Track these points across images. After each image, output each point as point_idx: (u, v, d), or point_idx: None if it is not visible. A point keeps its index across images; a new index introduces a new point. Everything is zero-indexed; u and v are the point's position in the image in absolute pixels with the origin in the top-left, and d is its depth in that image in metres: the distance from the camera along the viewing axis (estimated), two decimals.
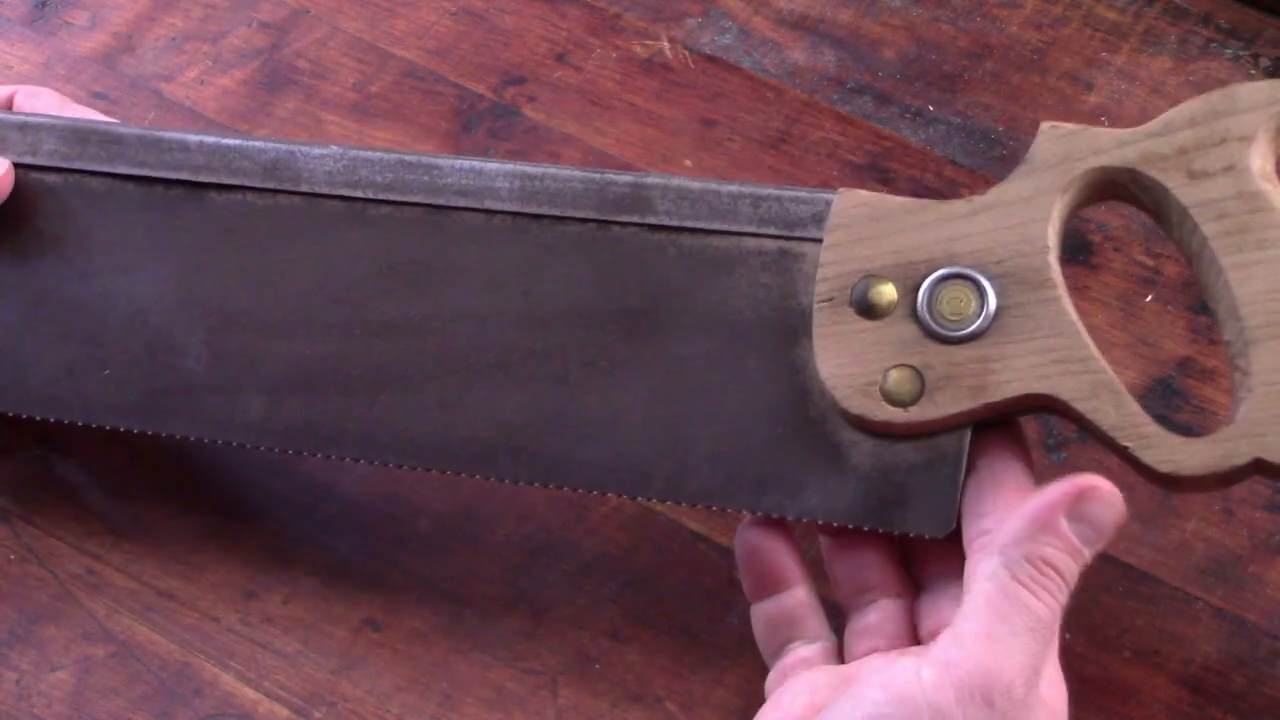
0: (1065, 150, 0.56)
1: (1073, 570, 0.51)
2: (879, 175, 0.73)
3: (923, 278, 0.56)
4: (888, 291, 0.56)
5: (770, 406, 0.56)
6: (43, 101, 0.66)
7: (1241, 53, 0.76)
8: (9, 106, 0.66)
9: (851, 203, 0.57)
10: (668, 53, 0.78)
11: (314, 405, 0.59)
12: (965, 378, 0.55)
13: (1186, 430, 0.66)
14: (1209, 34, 0.77)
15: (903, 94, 0.76)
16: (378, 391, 0.59)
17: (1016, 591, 0.51)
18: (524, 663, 0.61)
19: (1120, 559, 0.62)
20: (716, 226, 0.58)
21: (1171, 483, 0.54)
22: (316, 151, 0.61)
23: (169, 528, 0.65)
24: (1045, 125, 0.57)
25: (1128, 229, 0.71)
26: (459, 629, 0.62)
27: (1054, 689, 0.51)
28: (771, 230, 0.58)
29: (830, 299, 0.56)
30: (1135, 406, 0.54)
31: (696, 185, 0.59)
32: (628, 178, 0.59)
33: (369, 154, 0.60)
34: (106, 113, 0.72)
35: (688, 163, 0.74)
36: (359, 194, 0.60)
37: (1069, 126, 0.57)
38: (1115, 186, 0.56)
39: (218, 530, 0.64)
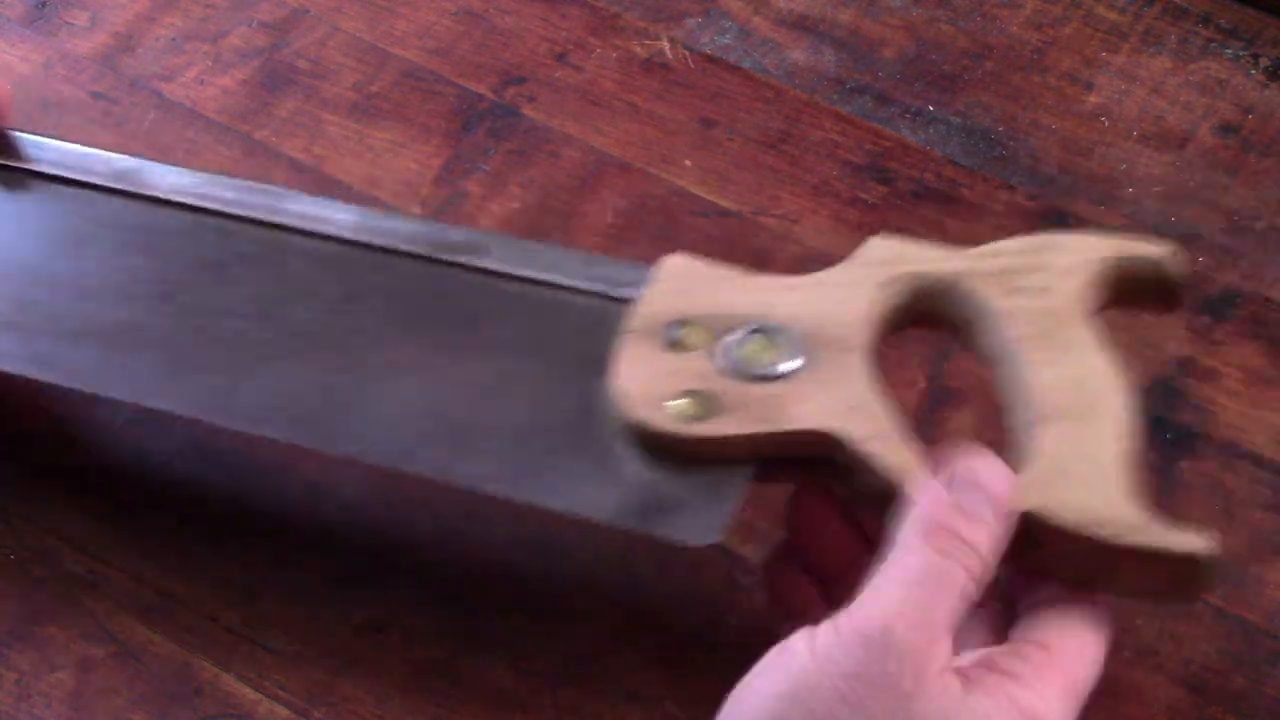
0: (893, 255, 0.58)
1: (971, 531, 0.51)
2: (879, 175, 0.73)
3: (732, 328, 0.57)
4: (697, 333, 0.57)
5: (555, 421, 0.57)
6: None
7: (1241, 53, 0.76)
8: None
9: (680, 262, 0.59)
10: (668, 53, 0.78)
11: (106, 353, 0.61)
12: (755, 407, 0.55)
13: (1186, 431, 0.66)
14: (1209, 34, 0.77)
15: (903, 94, 0.76)
16: (171, 350, 0.60)
17: (903, 548, 0.51)
18: (524, 663, 0.61)
19: None
20: (545, 278, 0.60)
21: None
22: (167, 169, 0.64)
23: (169, 528, 0.65)
24: (874, 238, 0.59)
25: (1128, 229, 0.71)
26: (459, 629, 0.62)
27: (988, 696, 0.50)
28: (598, 287, 0.60)
29: (638, 331, 0.57)
30: (916, 459, 0.54)
31: (533, 244, 0.62)
32: (465, 232, 0.62)
33: (220, 177, 0.64)
34: (106, 113, 0.72)
35: (688, 162, 0.74)
36: (201, 204, 0.63)
37: (899, 239, 0.59)
38: (934, 296, 0.58)
39: (218, 530, 0.64)
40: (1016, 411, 0.55)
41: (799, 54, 0.77)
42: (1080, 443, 0.54)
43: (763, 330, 0.57)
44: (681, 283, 0.59)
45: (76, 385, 0.61)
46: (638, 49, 0.78)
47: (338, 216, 0.62)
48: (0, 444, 0.66)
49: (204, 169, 0.65)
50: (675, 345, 0.57)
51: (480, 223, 0.72)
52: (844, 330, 0.57)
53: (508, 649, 0.62)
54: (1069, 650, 0.52)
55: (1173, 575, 0.52)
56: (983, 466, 0.53)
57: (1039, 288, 0.57)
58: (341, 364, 0.59)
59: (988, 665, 0.51)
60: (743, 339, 0.57)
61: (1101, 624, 0.53)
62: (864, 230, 0.71)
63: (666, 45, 0.78)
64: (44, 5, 0.80)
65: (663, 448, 0.56)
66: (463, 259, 0.61)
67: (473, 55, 0.78)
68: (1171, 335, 0.68)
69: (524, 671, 0.61)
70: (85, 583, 0.63)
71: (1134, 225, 0.71)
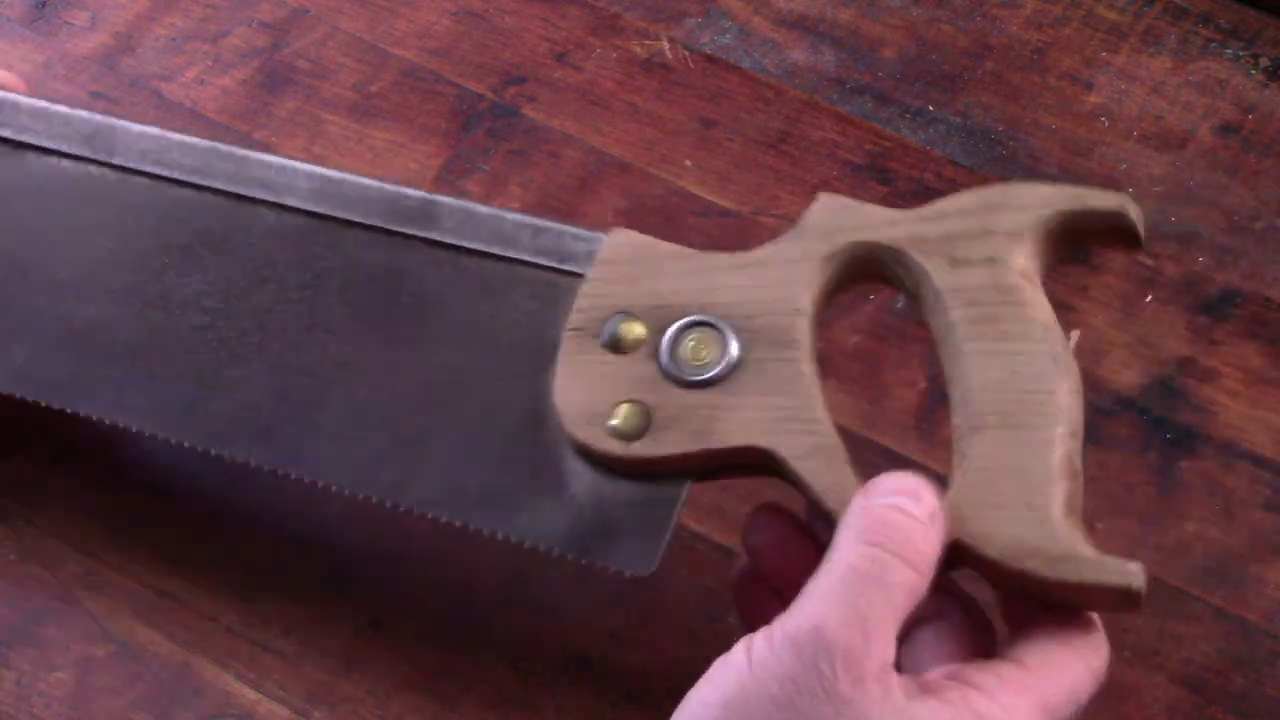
0: (836, 222, 0.57)
1: (902, 528, 0.51)
2: (879, 175, 0.73)
3: (672, 321, 0.56)
4: (637, 329, 0.57)
5: (507, 426, 0.57)
6: None
7: (1241, 53, 0.76)
8: None
9: (621, 241, 0.58)
10: (668, 53, 0.78)
11: (76, 361, 0.61)
12: (691, 421, 0.55)
13: (1186, 431, 0.66)
14: (1209, 34, 0.77)
15: (903, 94, 0.76)
16: (141, 359, 0.61)
17: (833, 551, 0.51)
18: (524, 663, 0.61)
19: None
20: (495, 250, 0.60)
21: None
22: (136, 130, 0.63)
23: (169, 528, 0.65)
24: (823, 195, 0.58)
25: None
26: (459, 629, 0.62)
27: (947, 705, 0.49)
28: (545, 260, 0.59)
29: (580, 329, 0.57)
30: (851, 475, 0.53)
31: (483, 210, 0.61)
32: (420, 194, 0.61)
33: (185, 139, 0.63)
34: (106, 113, 0.72)
35: (688, 162, 0.74)
36: (166, 173, 0.62)
37: (844, 200, 0.57)
38: (879, 264, 0.57)
39: (218, 530, 0.64)
40: (958, 412, 0.54)
41: (799, 54, 0.77)
42: (1012, 455, 0.52)
43: (701, 323, 0.56)
44: (624, 267, 0.58)
45: (51, 401, 0.61)
46: (638, 49, 0.78)
47: (298, 184, 0.61)
48: (0, 444, 0.66)
49: (172, 131, 0.64)
50: (615, 344, 0.57)
51: None
52: (783, 320, 0.56)
53: (508, 649, 0.62)
54: (1046, 671, 0.51)
55: (1105, 600, 0.51)
56: (906, 476, 0.52)
57: (984, 258, 0.55)
58: (299, 364, 0.60)
59: (955, 676, 0.50)
60: (680, 334, 0.56)
61: (1091, 653, 0.52)
62: None
63: (666, 45, 0.78)
64: (44, 5, 0.80)
65: (604, 464, 0.56)
66: (416, 231, 0.60)
67: (473, 55, 0.78)
68: (1171, 335, 0.68)
69: (524, 671, 0.61)
70: (85, 583, 0.63)
71: None
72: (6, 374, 0.61)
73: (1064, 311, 0.57)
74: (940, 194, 0.72)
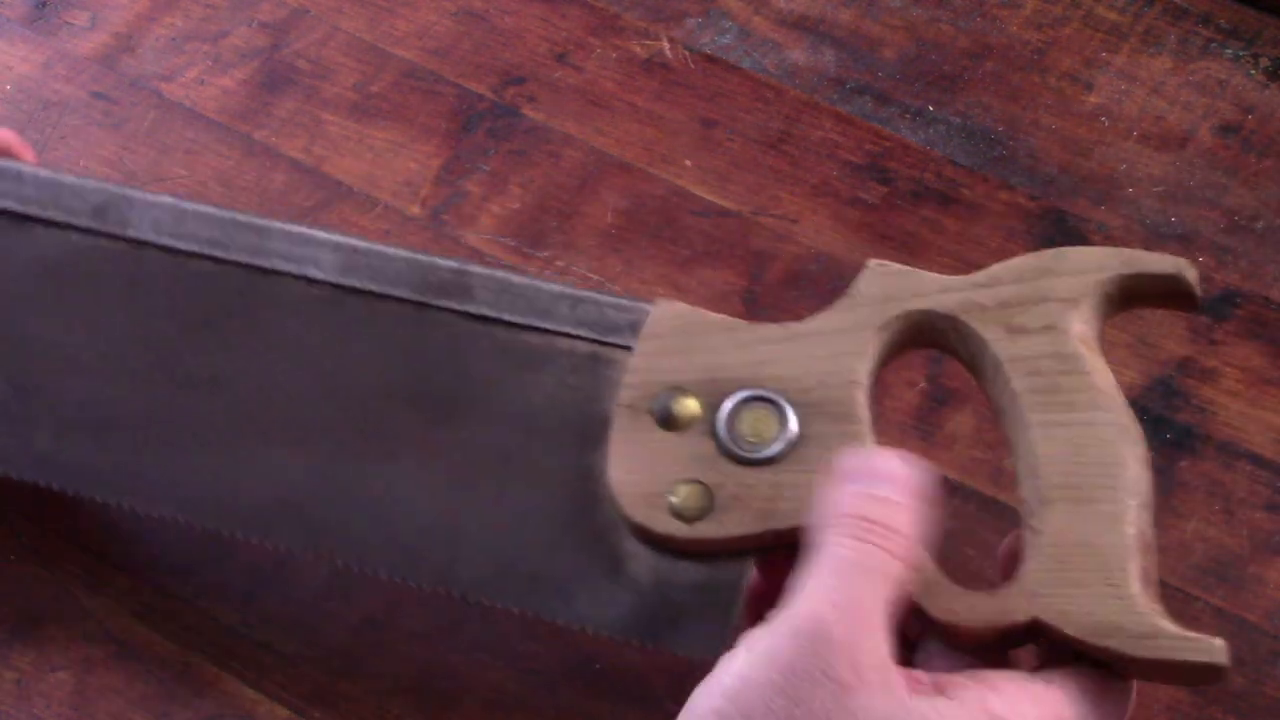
0: (887, 290, 0.56)
1: (884, 514, 0.51)
2: (879, 175, 0.73)
3: (727, 396, 0.55)
4: (691, 405, 0.55)
5: (556, 508, 0.56)
6: None
7: (1241, 53, 0.76)
8: None
9: (668, 314, 0.57)
10: (668, 53, 0.78)
11: (102, 448, 0.59)
12: (755, 500, 0.54)
13: (1186, 431, 0.66)
14: (1209, 34, 0.77)
15: (903, 94, 0.76)
16: (168, 443, 0.59)
17: (821, 544, 0.51)
18: (524, 663, 0.61)
19: None
20: (533, 322, 0.58)
21: (950, 633, 0.53)
22: (149, 199, 0.61)
23: (169, 528, 0.65)
24: (872, 263, 0.57)
25: (1128, 229, 0.71)
26: (459, 629, 0.62)
27: (959, 704, 0.49)
28: (586, 333, 0.58)
29: (631, 405, 0.56)
30: (922, 551, 0.52)
31: (519, 280, 0.59)
32: (452, 264, 0.59)
33: (201, 208, 0.61)
34: (106, 113, 0.72)
35: (688, 162, 0.74)
36: (183, 246, 0.60)
37: (894, 267, 0.56)
38: (935, 332, 0.56)
39: (218, 530, 0.64)
40: (1024, 485, 0.54)
41: (799, 54, 0.77)
42: (1085, 530, 0.52)
43: (756, 399, 0.55)
44: (671, 340, 0.57)
45: (79, 491, 0.59)
46: (638, 49, 0.78)
47: (322, 256, 0.59)
48: None
49: (185, 199, 0.61)
50: (669, 420, 0.55)
51: (480, 223, 0.72)
52: (840, 393, 0.55)
53: (508, 649, 0.62)
54: (1070, 695, 0.51)
55: (1186, 675, 0.51)
56: (876, 455, 0.53)
57: (1042, 325, 0.54)
58: (334, 447, 0.58)
59: (976, 677, 0.50)
60: (736, 409, 0.55)
61: (1120, 694, 0.52)
62: (864, 230, 0.72)
63: (666, 45, 0.78)
64: (44, 5, 0.80)
65: (665, 547, 0.55)
66: (449, 303, 0.59)
67: (473, 55, 0.78)
68: (1171, 335, 0.68)
69: (524, 671, 0.61)
70: (85, 583, 0.63)
71: (1134, 226, 0.71)
72: (30, 461, 0.59)
73: None
74: (940, 194, 0.72)
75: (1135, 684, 0.52)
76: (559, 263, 0.71)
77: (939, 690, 0.50)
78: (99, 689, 0.61)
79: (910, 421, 0.66)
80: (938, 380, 0.67)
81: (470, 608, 0.60)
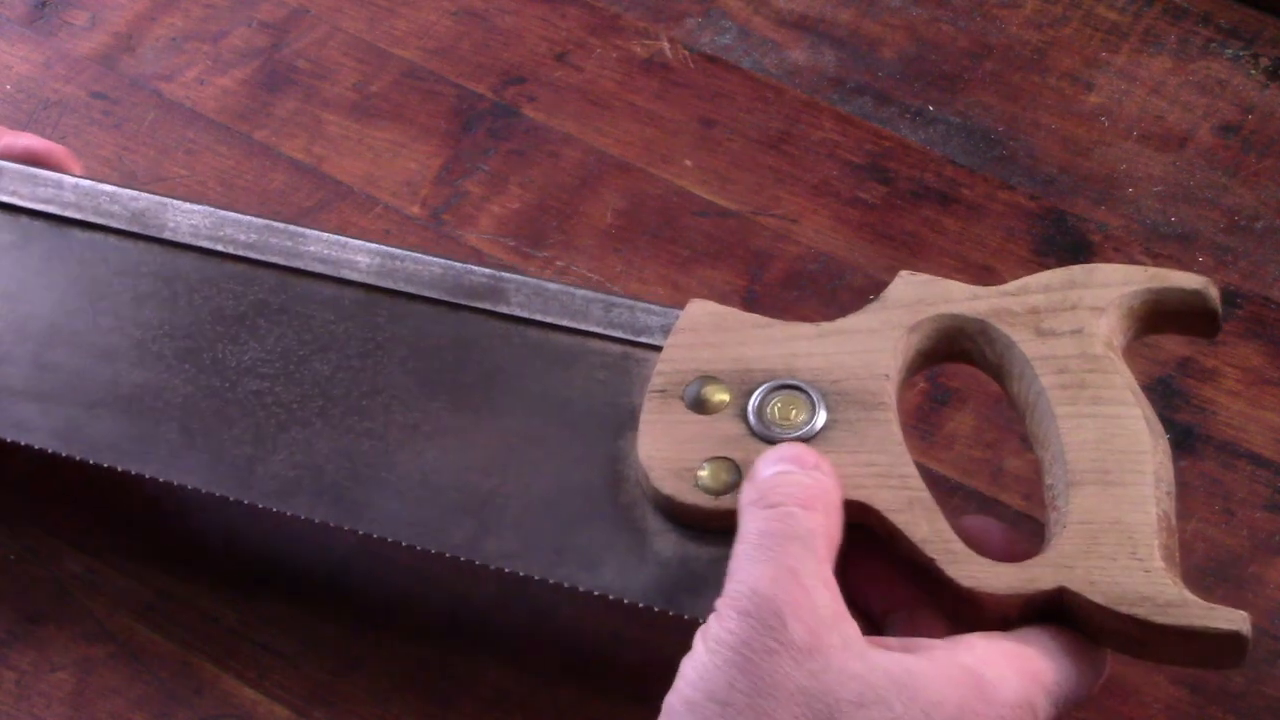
0: (918, 295, 0.58)
1: (794, 480, 0.53)
2: (879, 175, 0.73)
3: (757, 385, 0.57)
4: (720, 393, 0.57)
5: (582, 487, 0.57)
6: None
7: (1241, 53, 0.76)
8: None
9: (701, 311, 0.59)
10: (667, 53, 0.78)
11: (128, 424, 0.60)
12: None
13: (1186, 431, 0.66)
14: (1209, 34, 0.77)
15: (903, 94, 0.76)
16: (193, 420, 0.60)
17: (741, 524, 0.52)
18: (524, 663, 0.61)
19: None
20: (565, 323, 0.60)
21: (972, 599, 0.53)
22: (186, 207, 0.63)
23: (169, 528, 0.65)
24: (904, 273, 0.58)
25: (1128, 229, 0.71)
26: (459, 629, 0.62)
27: (928, 661, 0.50)
28: (618, 334, 0.60)
29: (663, 390, 0.57)
30: (946, 525, 0.54)
31: (553, 286, 0.61)
32: (487, 271, 0.61)
33: (238, 216, 0.63)
34: (106, 113, 0.72)
35: (688, 162, 0.74)
36: (219, 248, 0.62)
37: (925, 277, 0.58)
38: (963, 337, 0.58)
39: (218, 530, 0.64)
40: (1050, 471, 0.55)
41: (799, 54, 0.77)
42: (1112, 508, 0.53)
43: (787, 387, 0.57)
44: (704, 334, 0.58)
45: (98, 460, 0.60)
46: (638, 49, 0.78)
47: (358, 259, 0.61)
48: (1, 444, 0.66)
49: (222, 208, 0.63)
50: (699, 405, 0.57)
51: (480, 222, 0.72)
52: (870, 384, 0.56)
53: (508, 649, 0.62)
54: (1044, 651, 0.52)
55: (1208, 649, 0.52)
56: (783, 446, 0.54)
57: (1070, 329, 0.56)
58: (364, 427, 0.59)
59: (947, 639, 0.51)
60: (767, 396, 0.56)
61: (1094, 654, 0.53)
62: (864, 230, 0.72)
63: (666, 45, 0.78)
64: (44, 5, 0.80)
65: (690, 518, 0.56)
66: (483, 305, 0.60)
67: (473, 55, 0.78)
68: (1172, 335, 0.68)
69: (524, 671, 0.61)
70: (85, 583, 0.63)
71: (1134, 225, 0.71)
72: (52, 433, 0.60)
73: None
74: (940, 194, 0.72)
75: (1109, 653, 0.53)
76: (559, 263, 0.71)
77: (908, 651, 0.50)
78: (99, 689, 0.61)
79: (910, 421, 0.66)
80: (938, 380, 0.67)
81: (470, 607, 0.60)
